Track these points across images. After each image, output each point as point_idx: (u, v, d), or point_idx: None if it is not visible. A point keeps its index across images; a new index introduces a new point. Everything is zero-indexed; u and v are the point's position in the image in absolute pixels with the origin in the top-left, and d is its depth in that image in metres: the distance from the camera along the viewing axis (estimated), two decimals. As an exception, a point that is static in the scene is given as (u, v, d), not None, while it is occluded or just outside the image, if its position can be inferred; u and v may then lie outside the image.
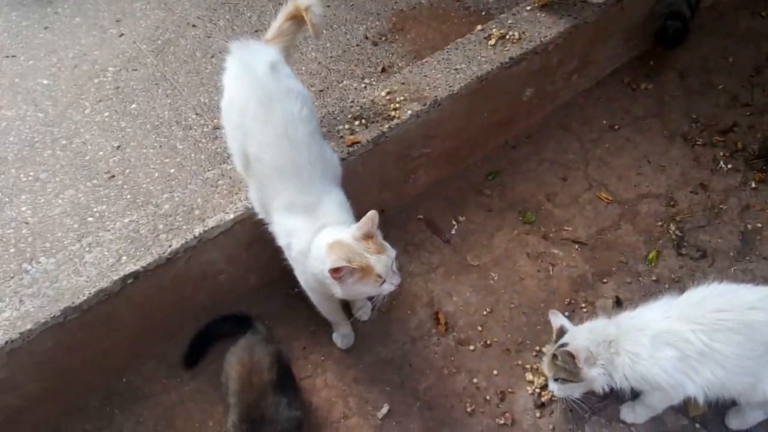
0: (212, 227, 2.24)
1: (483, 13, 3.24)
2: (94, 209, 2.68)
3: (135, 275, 2.16)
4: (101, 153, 2.86)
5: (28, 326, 2.04)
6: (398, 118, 2.49)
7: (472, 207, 2.80)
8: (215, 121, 2.92)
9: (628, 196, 2.80)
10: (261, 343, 2.15)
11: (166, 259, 2.19)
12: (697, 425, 2.22)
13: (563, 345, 2.05)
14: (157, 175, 2.77)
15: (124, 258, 2.18)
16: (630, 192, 2.81)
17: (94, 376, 2.33)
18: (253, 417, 1.95)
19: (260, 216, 2.20)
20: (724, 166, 2.85)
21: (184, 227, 2.25)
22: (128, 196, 2.71)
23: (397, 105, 2.53)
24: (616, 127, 3.02)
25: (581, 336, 2.06)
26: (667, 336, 1.95)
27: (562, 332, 2.12)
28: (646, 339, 1.96)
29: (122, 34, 3.33)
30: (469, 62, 2.65)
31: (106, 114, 3.01)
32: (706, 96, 3.09)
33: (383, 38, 3.22)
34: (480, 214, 2.78)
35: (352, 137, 2.44)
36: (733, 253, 2.60)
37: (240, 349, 2.13)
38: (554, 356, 2.07)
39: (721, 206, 2.73)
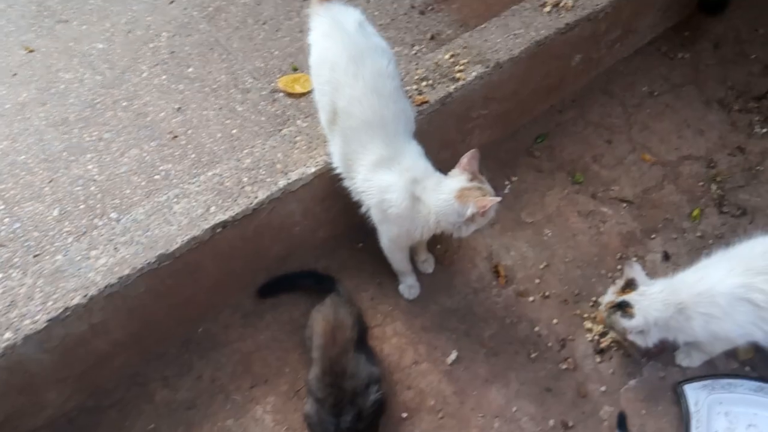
0: (295, 180, 2.35)
1: (524, -15, 3.35)
2: (160, 167, 2.76)
3: (224, 224, 2.26)
4: (162, 114, 2.94)
5: (126, 272, 2.13)
6: (463, 79, 2.60)
7: (522, 168, 2.93)
8: (272, 84, 3.02)
9: (670, 158, 2.94)
10: (345, 304, 2.26)
11: (252, 209, 2.30)
12: (747, 368, 2.37)
13: (627, 304, 2.12)
14: (219, 135, 2.86)
15: (212, 208, 2.28)
16: (672, 154, 2.96)
17: (174, 324, 2.44)
18: (336, 370, 2.04)
19: (339, 171, 2.30)
20: (759, 130, 3.00)
21: (268, 180, 2.35)
22: (193, 156, 2.80)
23: (462, 67, 2.63)
24: (656, 93, 3.16)
25: (653, 302, 2.09)
26: (741, 291, 2.01)
27: (630, 284, 2.18)
28: (721, 298, 2.03)
29: (172, 1, 3.38)
30: (527, 28, 2.76)
31: (164, 77, 3.08)
32: (740, 65, 3.24)
33: (429, 8, 3.31)
34: (531, 175, 2.91)
35: (420, 97, 2.55)
36: (772, 211, 2.77)
37: (326, 307, 2.24)
38: (613, 308, 2.16)
39: (759, 167, 2.88)
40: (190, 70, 3.10)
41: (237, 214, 2.27)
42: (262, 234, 2.41)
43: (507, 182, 2.89)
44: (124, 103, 2.98)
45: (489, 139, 2.95)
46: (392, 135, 2.13)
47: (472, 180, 2.08)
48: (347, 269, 2.64)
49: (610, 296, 2.23)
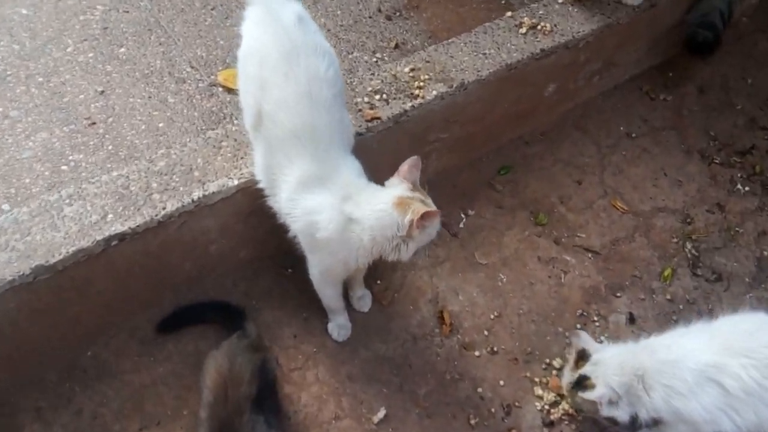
0: (213, 192, 2.01)
1: (502, 1, 3.07)
2: (70, 157, 2.42)
3: (121, 237, 1.91)
4: (82, 96, 2.59)
5: (-9, 282, 1.77)
6: (422, 97, 2.31)
7: (482, 201, 2.63)
8: (212, 77, 2.70)
9: (644, 208, 2.69)
10: (245, 350, 1.91)
11: (157, 222, 1.95)
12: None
13: (585, 378, 1.91)
14: (143, 127, 2.52)
15: (110, 216, 1.92)
16: (645, 204, 2.70)
17: (57, 346, 2.06)
18: None
19: (261, 185, 1.98)
20: (741, 188, 2.78)
21: (182, 189, 2.00)
22: (110, 147, 2.45)
23: (422, 84, 2.34)
24: (633, 135, 2.91)
25: (608, 367, 1.90)
26: (713, 371, 1.81)
27: (582, 356, 1.96)
28: (688, 374, 1.82)
29: (114, -28, 3.03)
30: (498, 49, 2.48)
31: (91, 55, 2.72)
32: (725, 114, 3.02)
33: (397, 13, 3.02)
34: (490, 210, 2.62)
35: (371, 112, 2.24)
36: (749, 279, 2.52)
37: (221, 354, 1.89)
38: (574, 389, 1.93)
39: (738, 229, 2.65)
40: (122, 50, 2.75)
41: (138, 226, 1.91)
42: (170, 250, 2.06)
43: (463, 215, 2.58)
44: (39, 79, 2.62)
45: (447, 165, 2.66)
46: (324, 149, 1.82)
47: (413, 191, 1.80)
48: (270, 298, 2.30)
49: (567, 377, 1.98)
